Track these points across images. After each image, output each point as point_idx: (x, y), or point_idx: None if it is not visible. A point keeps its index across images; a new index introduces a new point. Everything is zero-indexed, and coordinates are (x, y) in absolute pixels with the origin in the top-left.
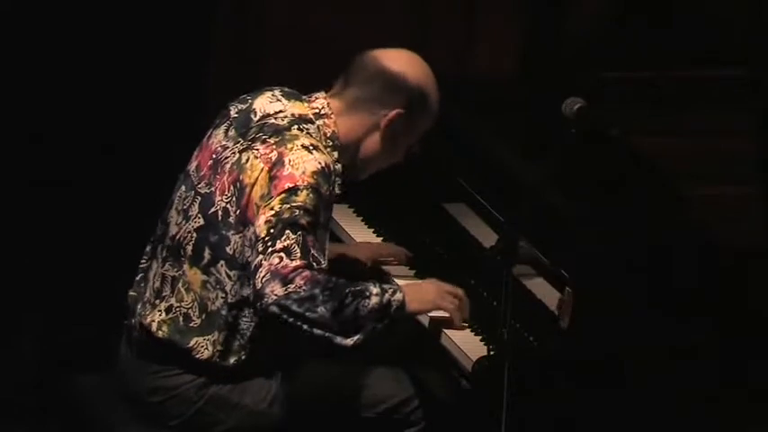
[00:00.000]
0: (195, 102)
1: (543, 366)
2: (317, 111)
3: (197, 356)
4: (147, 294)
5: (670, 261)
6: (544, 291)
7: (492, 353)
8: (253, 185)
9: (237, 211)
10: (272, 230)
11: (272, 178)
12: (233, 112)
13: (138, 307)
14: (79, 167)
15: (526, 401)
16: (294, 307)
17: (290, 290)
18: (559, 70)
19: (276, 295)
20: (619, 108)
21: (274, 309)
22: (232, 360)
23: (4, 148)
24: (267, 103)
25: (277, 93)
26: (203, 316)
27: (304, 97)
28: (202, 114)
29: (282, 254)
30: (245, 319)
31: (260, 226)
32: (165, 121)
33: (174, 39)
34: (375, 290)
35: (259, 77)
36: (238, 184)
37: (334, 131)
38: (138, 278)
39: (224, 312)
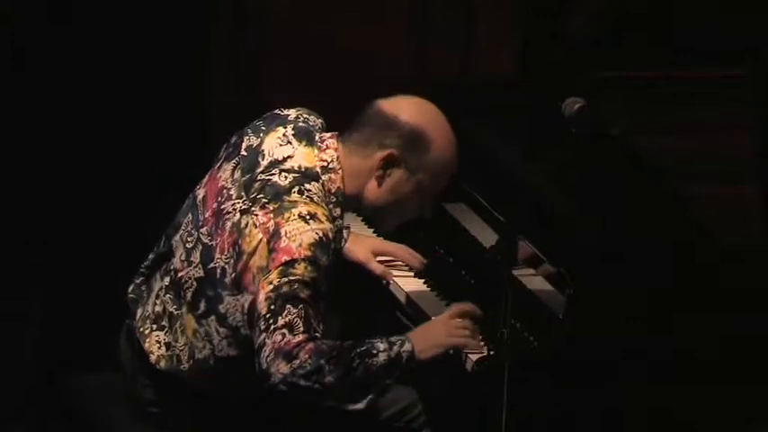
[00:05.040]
0: (195, 102)
1: (543, 366)
2: (325, 164)
3: (194, 385)
4: (149, 311)
5: (670, 261)
6: (544, 291)
7: (492, 353)
8: (251, 254)
9: (233, 274)
10: (272, 307)
11: (270, 251)
12: (244, 146)
13: (139, 313)
14: (78, 167)
15: (526, 401)
16: (302, 382)
17: (294, 366)
18: (559, 71)
19: (282, 374)
20: (619, 108)
21: (282, 387)
22: (227, 395)
23: (5, 149)
24: (277, 146)
25: (289, 132)
26: (191, 362)
27: (316, 139)
28: (202, 115)
29: (285, 330)
30: (232, 373)
31: (261, 302)
32: (165, 122)
33: (174, 39)
34: (382, 345)
35: (259, 78)
36: (237, 248)
37: (339, 187)
38: (138, 281)
39: (211, 362)
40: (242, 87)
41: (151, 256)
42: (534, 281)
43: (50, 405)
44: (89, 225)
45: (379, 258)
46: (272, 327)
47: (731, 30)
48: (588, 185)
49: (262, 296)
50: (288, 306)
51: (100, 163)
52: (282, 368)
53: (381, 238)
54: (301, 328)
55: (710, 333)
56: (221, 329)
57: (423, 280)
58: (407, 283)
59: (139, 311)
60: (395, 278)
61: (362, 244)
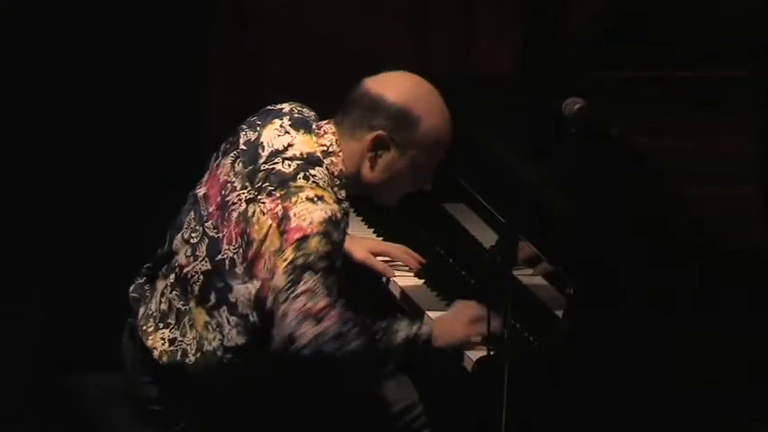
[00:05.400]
0: (195, 102)
1: (543, 366)
2: (325, 148)
3: (197, 379)
4: (153, 309)
5: (670, 261)
6: (544, 291)
7: (492, 353)
8: (263, 241)
9: (244, 263)
10: (291, 277)
11: (281, 233)
12: (242, 141)
13: (141, 311)
14: (77, 166)
15: (526, 401)
16: (326, 348)
17: (320, 330)
18: (559, 70)
19: (308, 338)
20: (619, 108)
21: (306, 352)
22: (231, 390)
23: (5, 149)
24: (275, 137)
25: (285, 123)
26: (198, 354)
27: (313, 127)
28: (202, 115)
29: (307, 295)
30: (239, 363)
31: (278, 278)
32: (165, 122)
33: (174, 39)
34: (402, 323)
35: (259, 78)
36: (245, 237)
37: (341, 170)
38: (141, 281)
39: (219, 353)
40: (242, 87)
41: (155, 257)
42: (534, 281)
43: (50, 405)
44: (89, 225)
45: (378, 259)
46: (293, 295)
47: (731, 30)
48: (588, 185)
49: (279, 272)
50: (305, 275)
51: (100, 163)
52: (309, 332)
53: (381, 239)
54: (323, 293)
55: (710, 333)
56: (232, 318)
57: (423, 280)
58: (404, 281)
59: (142, 310)
60: (394, 278)
61: (361, 244)
